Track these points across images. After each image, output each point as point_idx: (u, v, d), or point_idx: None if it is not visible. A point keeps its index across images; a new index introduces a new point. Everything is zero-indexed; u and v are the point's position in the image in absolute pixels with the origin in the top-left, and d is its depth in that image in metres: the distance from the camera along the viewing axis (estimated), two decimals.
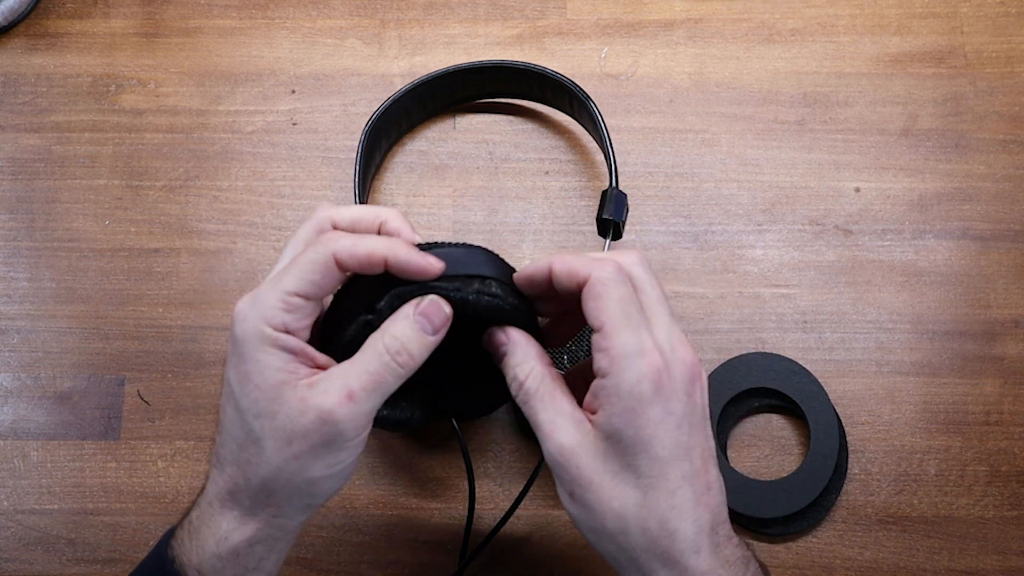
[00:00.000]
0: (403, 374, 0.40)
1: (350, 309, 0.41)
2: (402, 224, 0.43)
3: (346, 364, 0.40)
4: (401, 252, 0.40)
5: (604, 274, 0.40)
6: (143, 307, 0.62)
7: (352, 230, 0.42)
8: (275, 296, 0.39)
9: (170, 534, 0.44)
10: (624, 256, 0.42)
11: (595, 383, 0.39)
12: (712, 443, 0.41)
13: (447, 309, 0.40)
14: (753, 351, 0.60)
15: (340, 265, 0.39)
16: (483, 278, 0.41)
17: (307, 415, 0.38)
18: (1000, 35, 0.67)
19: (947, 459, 0.59)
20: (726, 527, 0.41)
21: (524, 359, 0.41)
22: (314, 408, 0.38)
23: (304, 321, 0.40)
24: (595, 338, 0.39)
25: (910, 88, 0.66)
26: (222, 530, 0.41)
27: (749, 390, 0.59)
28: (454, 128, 0.66)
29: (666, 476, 0.39)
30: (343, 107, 0.66)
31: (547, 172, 0.65)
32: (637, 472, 0.39)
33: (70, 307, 0.62)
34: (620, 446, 0.39)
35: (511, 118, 0.66)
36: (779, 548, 0.57)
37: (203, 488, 0.43)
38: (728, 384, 0.59)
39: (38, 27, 0.69)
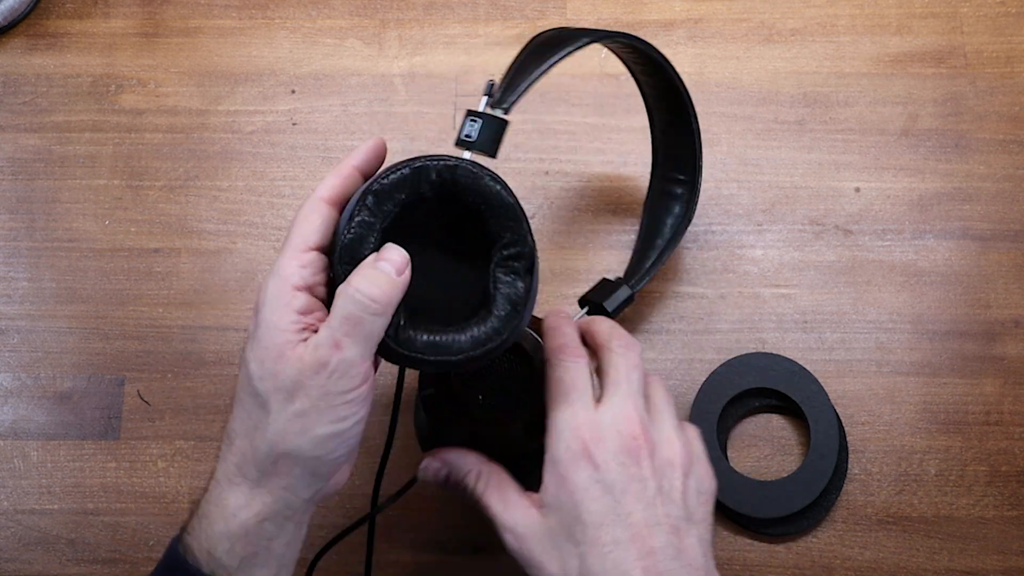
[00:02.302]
0: (379, 311, 0.40)
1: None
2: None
3: (329, 318, 0.41)
4: (360, 152, 0.44)
5: (560, 354, 0.45)
6: (143, 307, 0.62)
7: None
8: (288, 257, 0.41)
9: (182, 529, 0.44)
10: (599, 333, 0.47)
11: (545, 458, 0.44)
12: (679, 512, 0.42)
13: (402, 252, 0.41)
14: (753, 351, 0.60)
15: (330, 201, 0.42)
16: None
17: (304, 370, 0.40)
18: (1000, 35, 0.67)
19: (947, 459, 0.59)
20: None
21: (463, 465, 0.46)
22: (308, 362, 0.40)
23: (319, 275, 0.42)
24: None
25: (910, 88, 0.66)
26: (230, 507, 0.41)
27: (749, 390, 0.59)
28: (454, 128, 0.66)
29: (598, 541, 0.41)
30: (343, 107, 0.66)
31: (547, 172, 0.65)
32: (575, 540, 0.41)
33: (70, 307, 0.63)
34: (559, 515, 0.42)
35: (511, 118, 0.66)
36: (779, 548, 0.57)
37: (212, 473, 0.43)
38: (728, 384, 0.59)
39: (38, 27, 0.69)
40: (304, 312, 0.40)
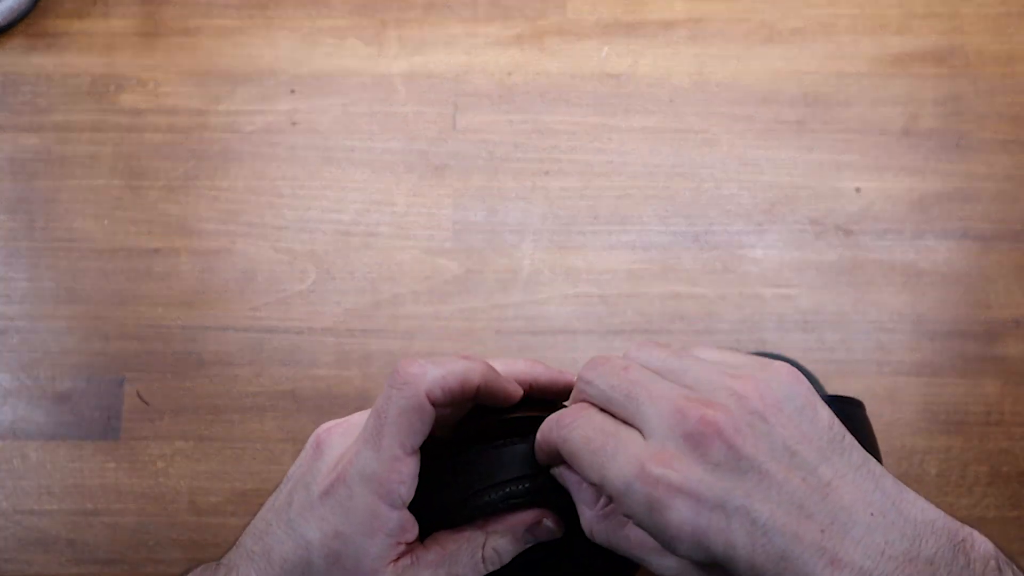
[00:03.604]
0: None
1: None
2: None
3: (435, 559, 0.37)
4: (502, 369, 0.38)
5: (559, 430, 0.35)
6: (143, 307, 0.62)
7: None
8: (386, 464, 0.36)
9: None
10: (586, 369, 0.36)
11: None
12: (813, 455, 0.31)
13: (554, 528, 0.38)
14: (754, 351, 0.60)
15: (437, 403, 0.36)
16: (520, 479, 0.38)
17: None
18: (1001, 35, 0.67)
19: (948, 459, 0.59)
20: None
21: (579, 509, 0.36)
22: None
23: (415, 483, 0.37)
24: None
25: (911, 88, 0.66)
26: None
27: None
28: (454, 128, 0.66)
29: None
30: (343, 107, 0.66)
31: (547, 172, 0.65)
32: None
33: (70, 307, 0.62)
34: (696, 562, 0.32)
35: (511, 118, 0.66)
36: None
37: None
38: None
39: (38, 27, 0.69)
40: (397, 533, 0.36)
